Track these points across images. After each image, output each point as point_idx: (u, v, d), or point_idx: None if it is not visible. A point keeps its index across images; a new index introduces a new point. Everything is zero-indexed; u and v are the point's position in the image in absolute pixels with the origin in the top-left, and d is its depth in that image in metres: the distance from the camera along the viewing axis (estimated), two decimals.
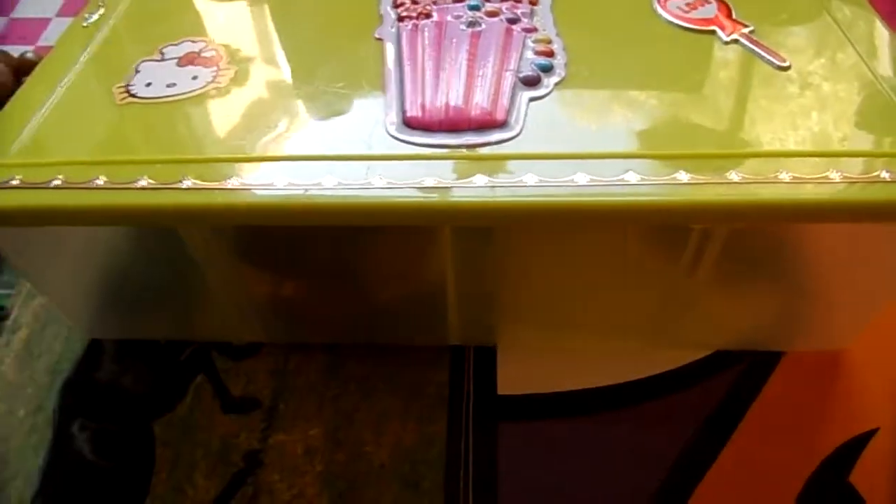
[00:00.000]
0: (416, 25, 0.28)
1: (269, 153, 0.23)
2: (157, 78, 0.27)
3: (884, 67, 0.25)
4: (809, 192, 0.21)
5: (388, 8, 0.29)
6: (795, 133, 0.23)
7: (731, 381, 0.29)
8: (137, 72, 0.27)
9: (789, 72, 0.25)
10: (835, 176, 0.21)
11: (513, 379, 0.29)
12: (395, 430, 0.28)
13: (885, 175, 0.21)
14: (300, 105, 0.25)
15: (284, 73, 0.27)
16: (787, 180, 0.21)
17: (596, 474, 0.27)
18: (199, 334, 0.30)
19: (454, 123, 0.23)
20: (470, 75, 0.25)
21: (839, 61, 0.26)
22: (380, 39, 0.28)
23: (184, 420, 0.29)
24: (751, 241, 0.24)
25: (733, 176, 0.21)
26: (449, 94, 0.24)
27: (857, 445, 0.28)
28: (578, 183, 0.21)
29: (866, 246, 0.24)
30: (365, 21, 0.29)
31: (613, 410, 0.28)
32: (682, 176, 0.21)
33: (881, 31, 0.27)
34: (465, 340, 0.30)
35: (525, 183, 0.21)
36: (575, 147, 0.22)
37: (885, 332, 0.30)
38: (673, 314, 0.28)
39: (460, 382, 0.29)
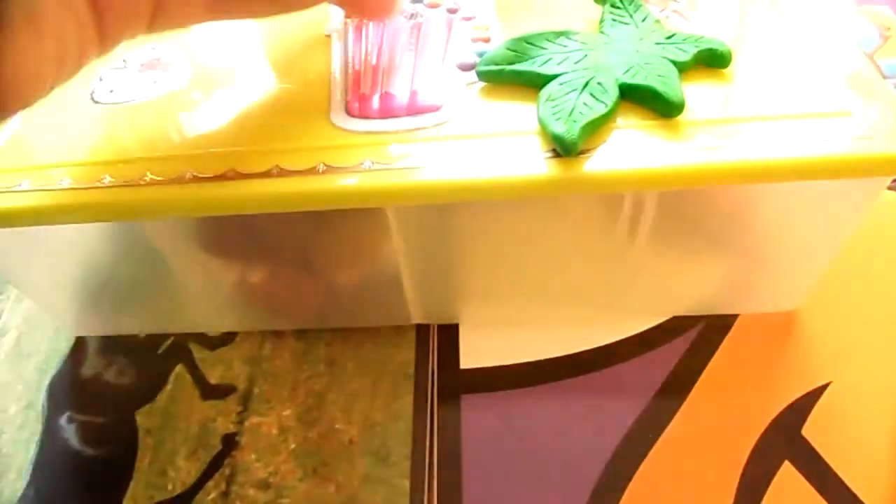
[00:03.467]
0: (360, 21, 0.29)
1: (220, 148, 0.24)
2: (119, 84, 0.28)
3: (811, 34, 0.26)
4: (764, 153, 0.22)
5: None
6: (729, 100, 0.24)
7: (687, 345, 0.30)
8: (101, 80, 0.28)
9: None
10: (789, 135, 0.22)
11: (475, 353, 0.30)
12: (363, 408, 0.29)
13: (849, 132, 0.22)
14: (252, 102, 0.26)
15: (239, 73, 0.28)
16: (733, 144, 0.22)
17: (555, 440, 0.28)
18: (176, 327, 0.32)
19: (393, 110, 0.25)
20: (409, 64, 0.26)
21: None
22: (328, 35, 0.29)
23: (164, 408, 0.30)
24: (685, 205, 0.25)
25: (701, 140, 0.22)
26: (389, 83, 0.26)
27: (809, 400, 0.28)
28: (509, 159, 0.22)
29: (807, 205, 0.25)
30: (317, 20, 0.30)
31: (572, 378, 0.29)
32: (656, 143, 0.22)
33: None
34: (427, 319, 0.31)
35: (457, 162, 0.23)
36: (505, 127, 0.24)
37: (834, 290, 0.31)
38: (625, 282, 0.29)
39: (425, 359, 0.30)
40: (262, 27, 0.30)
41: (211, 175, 0.23)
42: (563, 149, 0.22)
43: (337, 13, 0.30)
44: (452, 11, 0.29)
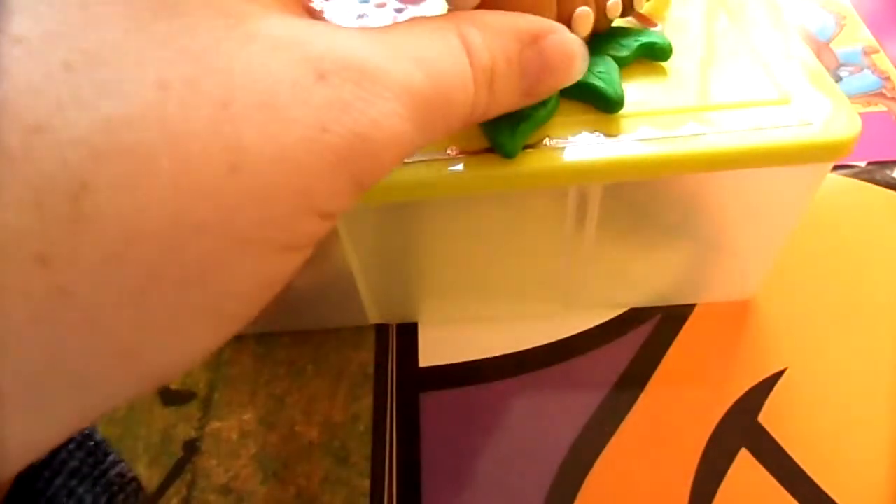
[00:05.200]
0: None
1: None
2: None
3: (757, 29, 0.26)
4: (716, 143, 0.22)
5: None
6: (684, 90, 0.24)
7: (644, 337, 0.30)
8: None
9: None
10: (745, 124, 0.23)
11: (434, 351, 0.30)
12: (323, 410, 0.29)
13: (789, 119, 0.23)
14: None
15: None
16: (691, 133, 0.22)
17: (514, 435, 0.28)
18: None
19: None
20: None
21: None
22: None
23: (125, 416, 0.30)
24: (632, 197, 0.25)
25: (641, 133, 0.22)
26: None
27: (765, 387, 0.29)
28: (450, 157, 0.22)
29: (755, 193, 0.25)
30: None
31: (530, 373, 0.29)
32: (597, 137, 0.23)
33: None
34: (385, 319, 0.31)
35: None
36: None
37: (788, 277, 0.31)
38: (580, 276, 0.29)
39: (385, 359, 0.30)
40: None
41: None
42: (503, 152, 0.22)
43: None
44: (399, 11, 0.29)
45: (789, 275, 0.31)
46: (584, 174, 0.22)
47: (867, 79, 0.41)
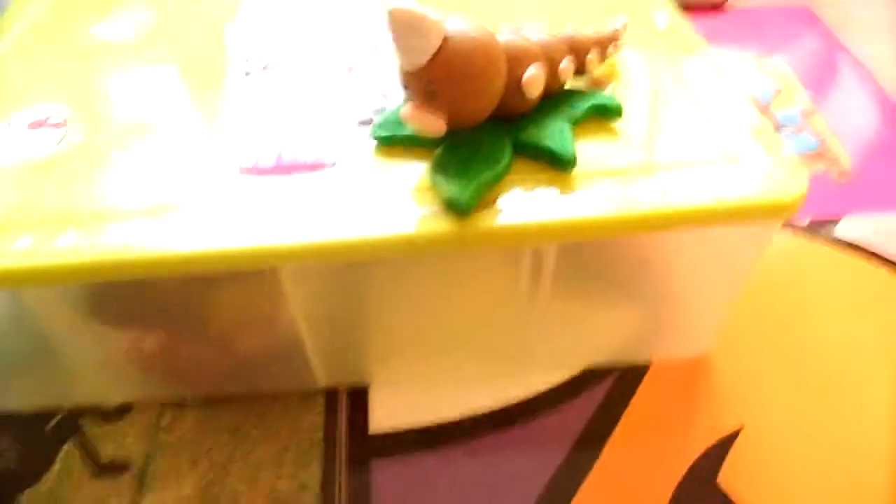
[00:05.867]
0: (258, 78, 0.28)
1: (106, 210, 0.23)
2: (2, 144, 0.27)
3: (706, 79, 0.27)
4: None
5: (238, 62, 0.30)
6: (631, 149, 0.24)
7: (600, 398, 0.30)
8: None
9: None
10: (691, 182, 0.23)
11: (385, 415, 0.29)
12: (269, 479, 0.28)
13: (739, 179, 0.23)
14: (141, 161, 0.25)
15: (135, 128, 0.27)
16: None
17: (471, 503, 0.27)
18: (65, 401, 0.30)
19: (286, 168, 0.24)
20: (304, 120, 0.26)
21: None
22: (225, 93, 0.28)
23: (51, 491, 0.28)
24: (586, 257, 0.25)
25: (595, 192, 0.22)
26: (283, 140, 0.25)
27: (723, 447, 0.28)
28: (402, 216, 0.22)
29: (706, 250, 0.25)
30: (214, 76, 0.29)
31: (485, 437, 0.28)
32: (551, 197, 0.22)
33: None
34: (335, 382, 0.30)
35: (353, 219, 0.22)
36: (400, 183, 0.23)
37: (741, 333, 0.31)
38: (534, 335, 0.28)
39: (333, 424, 0.29)
40: (161, 82, 0.30)
41: (91, 240, 0.22)
42: (457, 211, 0.21)
43: (238, 66, 0.29)
44: (350, 68, 0.29)
45: (742, 331, 0.32)
46: (541, 234, 0.22)
47: (806, 140, 0.42)
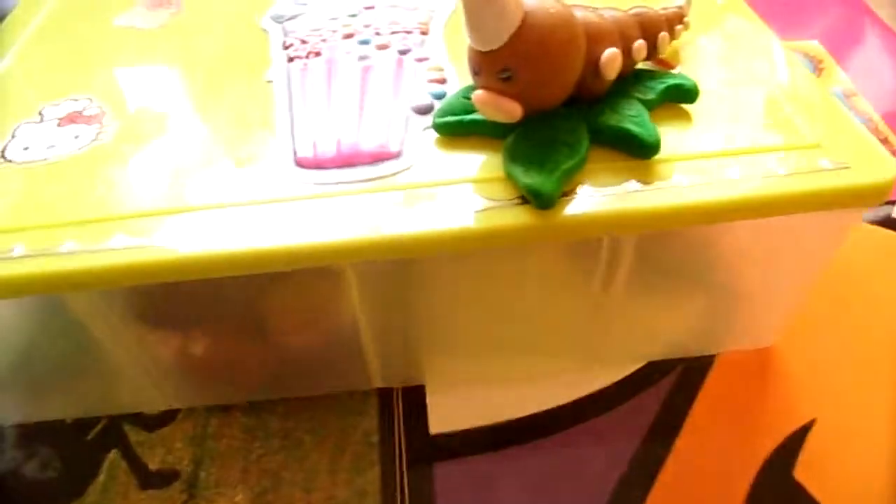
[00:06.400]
0: (305, 65, 0.27)
1: (156, 209, 0.22)
2: (35, 141, 0.25)
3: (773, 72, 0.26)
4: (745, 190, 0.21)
5: (279, 50, 0.28)
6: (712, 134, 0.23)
7: (666, 391, 0.29)
8: (14, 136, 0.25)
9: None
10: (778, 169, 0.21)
11: (445, 416, 0.28)
12: (325, 486, 0.26)
13: (823, 163, 0.22)
14: (188, 156, 0.24)
15: (172, 123, 0.25)
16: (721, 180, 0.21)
17: None
18: (108, 409, 0.28)
19: (347, 159, 0.23)
20: (362, 109, 0.24)
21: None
22: (270, 82, 0.27)
23: (97, 503, 0.26)
24: (663, 247, 0.24)
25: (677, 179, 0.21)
26: (341, 130, 0.24)
27: (797, 440, 0.27)
28: (476, 208, 0.21)
29: (780, 241, 0.24)
30: (255, 65, 0.28)
31: (550, 437, 0.27)
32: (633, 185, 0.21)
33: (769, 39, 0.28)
34: (390, 382, 0.28)
35: (422, 213, 0.21)
36: (469, 173, 0.22)
37: (810, 324, 0.30)
38: (598, 330, 0.27)
39: (390, 426, 0.28)
40: (197, 72, 0.28)
41: (142, 240, 0.21)
42: (540, 203, 0.20)
43: (278, 58, 0.28)
44: (404, 52, 0.27)
45: (808, 321, 0.30)
46: (623, 224, 0.21)
47: None
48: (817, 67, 0.45)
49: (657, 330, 0.28)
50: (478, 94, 0.21)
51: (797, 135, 0.23)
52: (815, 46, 0.47)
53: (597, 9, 0.23)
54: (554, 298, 0.25)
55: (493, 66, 0.20)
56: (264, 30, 0.30)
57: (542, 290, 0.25)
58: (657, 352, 0.29)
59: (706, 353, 0.29)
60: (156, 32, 0.31)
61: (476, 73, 0.21)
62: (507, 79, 0.20)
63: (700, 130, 0.23)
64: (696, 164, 0.22)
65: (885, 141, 0.40)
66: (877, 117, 0.41)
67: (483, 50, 0.20)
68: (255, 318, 0.25)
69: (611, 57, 0.21)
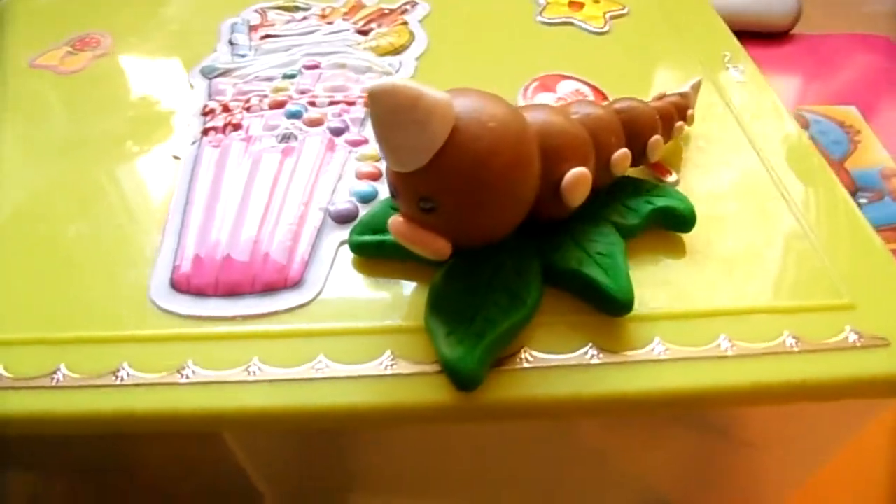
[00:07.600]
0: (219, 142, 0.22)
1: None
2: None
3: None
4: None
5: (196, 116, 0.24)
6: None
7: None
8: None
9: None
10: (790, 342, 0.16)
11: None
12: None
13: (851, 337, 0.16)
14: (47, 261, 0.19)
15: (49, 212, 0.21)
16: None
17: None
18: None
19: (233, 285, 0.18)
20: (266, 212, 0.19)
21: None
22: (177, 158, 0.22)
23: None
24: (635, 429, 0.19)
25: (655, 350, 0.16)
26: (233, 242, 0.19)
27: None
28: (386, 371, 0.16)
29: (787, 426, 0.19)
30: (166, 133, 0.23)
31: None
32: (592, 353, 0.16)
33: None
34: None
35: (315, 375, 0.16)
36: (387, 318, 0.17)
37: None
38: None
39: None
40: (98, 138, 0.23)
41: None
42: (459, 384, 0.15)
43: (193, 126, 0.23)
44: (337, 133, 0.22)
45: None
46: (573, 410, 0.16)
47: (889, 207, 0.35)
48: (853, 140, 0.39)
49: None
50: (394, 223, 0.15)
51: (825, 289, 0.17)
52: (851, 113, 0.41)
53: (568, 105, 0.18)
54: (496, 473, 0.20)
55: (411, 192, 0.15)
56: (192, 85, 0.25)
57: (481, 463, 0.20)
58: None
59: None
60: (70, 79, 0.27)
61: (393, 195, 0.16)
62: (430, 210, 0.15)
63: (692, 275, 0.18)
64: (682, 327, 0.16)
65: None
66: None
67: (399, 171, 0.15)
68: (128, 473, 0.20)
69: (575, 180, 0.16)
